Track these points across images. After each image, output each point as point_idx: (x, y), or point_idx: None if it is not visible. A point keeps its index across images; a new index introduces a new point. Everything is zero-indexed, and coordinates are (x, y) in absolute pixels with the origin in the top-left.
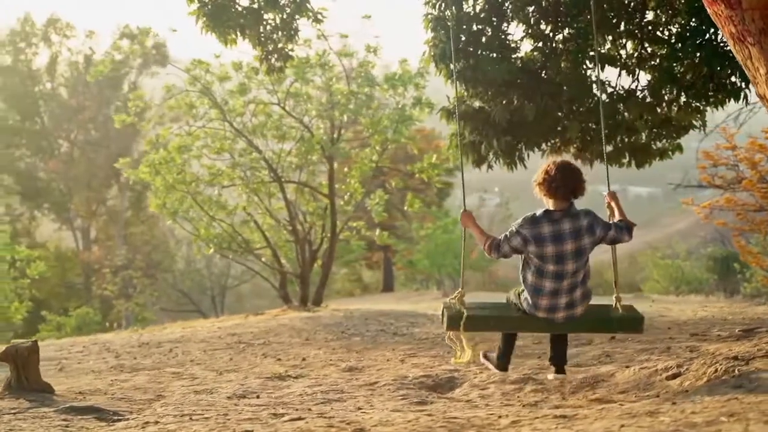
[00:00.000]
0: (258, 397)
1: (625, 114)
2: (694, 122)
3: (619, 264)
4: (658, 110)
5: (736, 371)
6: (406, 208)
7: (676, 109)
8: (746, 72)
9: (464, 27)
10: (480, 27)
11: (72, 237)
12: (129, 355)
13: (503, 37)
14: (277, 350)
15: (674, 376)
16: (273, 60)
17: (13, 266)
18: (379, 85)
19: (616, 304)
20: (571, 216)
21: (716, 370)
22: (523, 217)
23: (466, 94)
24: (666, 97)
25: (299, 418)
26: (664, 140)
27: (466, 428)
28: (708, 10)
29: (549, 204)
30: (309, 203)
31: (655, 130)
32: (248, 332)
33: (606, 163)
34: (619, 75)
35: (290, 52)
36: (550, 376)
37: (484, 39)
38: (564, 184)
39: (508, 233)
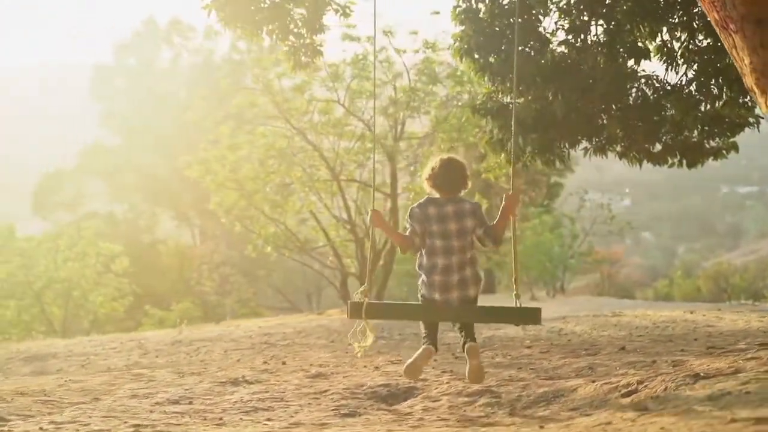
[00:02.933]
0: (191, 403)
1: (672, 111)
2: (750, 119)
3: (749, 270)
4: (705, 106)
5: (677, 390)
6: None
7: (721, 104)
8: (735, 62)
9: (496, 20)
10: (512, 20)
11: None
12: (153, 353)
13: (538, 28)
14: (288, 352)
15: (629, 394)
16: (301, 56)
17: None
18: (440, 82)
19: (516, 302)
20: (455, 201)
21: (666, 388)
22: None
23: (494, 89)
24: (714, 92)
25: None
26: (717, 138)
27: None
28: None
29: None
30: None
31: (706, 127)
32: (281, 333)
33: (512, 165)
34: (667, 70)
35: (319, 47)
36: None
37: (497, 30)
38: (447, 180)
39: (408, 227)
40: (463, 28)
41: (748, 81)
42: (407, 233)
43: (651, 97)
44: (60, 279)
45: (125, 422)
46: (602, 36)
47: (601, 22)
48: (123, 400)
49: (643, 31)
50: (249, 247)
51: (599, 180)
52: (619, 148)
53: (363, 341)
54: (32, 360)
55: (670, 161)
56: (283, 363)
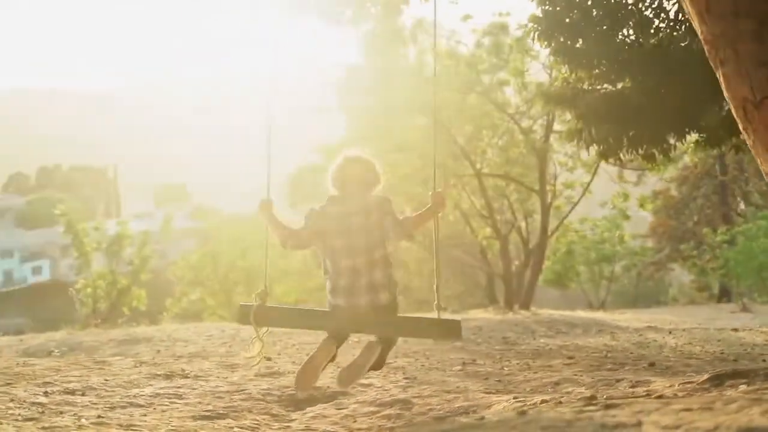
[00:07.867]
0: (83, 395)
1: None
2: None
3: None
4: None
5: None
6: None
7: None
8: None
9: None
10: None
11: None
12: (233, 342)
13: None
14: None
15: (523, 413)
16: None
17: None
18: None
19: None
20: (360, 204)
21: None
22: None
23: (572, 75)
24: None
25: None
26: None
27: None
28: None
29: None
30: (525, 202)
31: None
32: None
33: (434, 163)
34: None
35: None
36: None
37: (594, 12)
38: (349, 182)
39: (303, 224)
40: (544, 8)
41: (707, 52)
42: (296, 231)
43: None
44: (240, 267)
45: None
46: None
47: None
48: (33, 388)
49: None
50: None
51: None
52: (734, 141)
53: (249, 350)
54: (124, 343)
55: None
56: (268, 359)
